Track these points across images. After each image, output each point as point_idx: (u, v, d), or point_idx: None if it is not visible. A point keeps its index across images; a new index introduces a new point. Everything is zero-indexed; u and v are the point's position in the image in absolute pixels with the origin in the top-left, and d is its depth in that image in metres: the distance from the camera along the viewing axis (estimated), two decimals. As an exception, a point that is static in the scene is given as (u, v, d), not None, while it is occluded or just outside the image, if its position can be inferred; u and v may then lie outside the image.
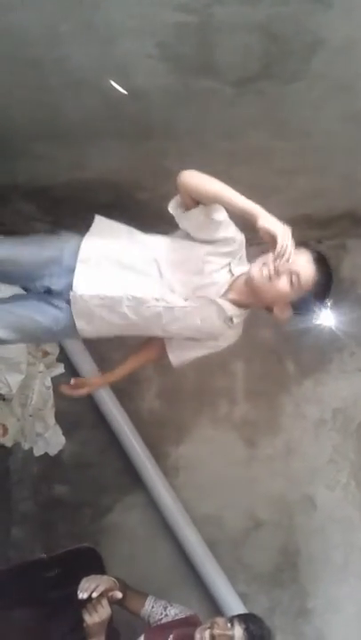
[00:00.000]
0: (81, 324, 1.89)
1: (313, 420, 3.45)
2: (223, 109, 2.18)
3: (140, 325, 1.90)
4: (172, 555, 3.26)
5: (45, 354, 3.27)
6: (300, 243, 1.73)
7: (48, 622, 2.32)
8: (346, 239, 3.51)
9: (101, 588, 2.11)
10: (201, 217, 1.75)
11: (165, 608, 2.36)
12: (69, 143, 2.38)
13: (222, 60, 1.90)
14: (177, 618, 2.33)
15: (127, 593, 2.28)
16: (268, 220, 1.58)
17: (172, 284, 1.81)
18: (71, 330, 1.92)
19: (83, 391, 2.16)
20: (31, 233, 2.71)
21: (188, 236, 1.83)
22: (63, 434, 3.37)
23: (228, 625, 2.12)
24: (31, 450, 3.33)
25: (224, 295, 1.85)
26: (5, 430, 3.11)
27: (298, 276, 1.73)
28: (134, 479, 3.29)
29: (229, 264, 1.83)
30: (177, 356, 2.11)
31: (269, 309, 1.87)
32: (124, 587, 2.26)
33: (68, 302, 1.84)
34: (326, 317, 3.44)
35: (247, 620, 2.17)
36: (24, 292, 2.06)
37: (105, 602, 2.14)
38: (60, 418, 3.39)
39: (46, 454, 3.34)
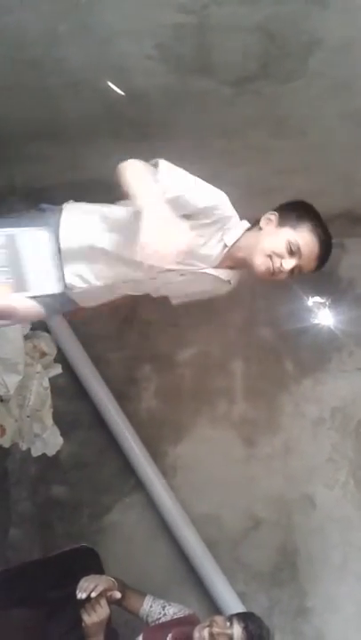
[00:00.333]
0: (83, 302, 1.87)
1: (312, 418, 3.45)
2: (221, 109, 2.18)
3: (139, 293, 1.90)
4: (170, 554, 3.26)
5: (43, 354, 3.26)
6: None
7: (47, 622, 2.32)
8: (344, 238, 3.51)
9: (100, 588, 2.12)
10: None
11: (164, 607, 2.36)
12: (67, 144, 2.38)
13: (220, 60, 1.90)
14: (175, 617, 2.33)
15: (126, 593, 2.28)
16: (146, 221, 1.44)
17: (167, 264, 1.77)
18: (72, 304, 1.91)
19: None
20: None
21: None
22: (61, 434, 3.36)
23: (227, 624, 2.12)
24: (29, 450, 3.32)
25: (220, 264, 1.80)
26: (3, 431, 3.10)
27: (300, 269, 1.71)
28: (132, 479, 3.29)
29: (221, 234, 1.74)
30: (176, 299, 2.04)
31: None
32: (122, 586, 2.27)
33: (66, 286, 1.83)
34: (325, 317, 3.45)
35: (246, 618, 2.18)
36: None
37: (104, 602, 2.15)
38: (57, 418, 3.38)
39: (44, 455, 3.33)
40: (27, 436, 3.25)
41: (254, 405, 3.47)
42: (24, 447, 3.28)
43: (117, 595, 2.19)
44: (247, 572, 3.27)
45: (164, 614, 2.34)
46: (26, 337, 3.15)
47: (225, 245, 1.75)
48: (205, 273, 1.78)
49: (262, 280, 1.77)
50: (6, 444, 3.15)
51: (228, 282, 1.85)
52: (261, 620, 2.23)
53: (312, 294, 3.48)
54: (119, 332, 3.50)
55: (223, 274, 1.81)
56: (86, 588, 2.10)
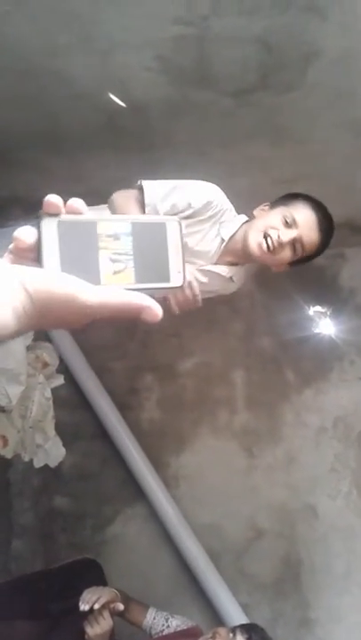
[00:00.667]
0: None
1: (314, 428, 3.44)
2: (221, 120, 2.20)
3: None
4: (173, 565, 3.25)
5: (45, 365, 3.26)
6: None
7: (50, 634, 2.30)
8: (344, 248, 3.53)
9: (103, 600, 2.10)
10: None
11: (167, 619, 2.35)
12: (68, 154, 2.39)
13: (220, 71, 1.92)
14: (179, 629, 2.32)
15: (129, 604, 2.27)
16: None
17: None
18: None
19: None
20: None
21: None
22: (63, 445, 3.35)
23: (231, 635, 2.11)
24: (31, 461, 3.31)
25: (219, 260, 1.77)
26: (5, 442, 3.09)
27: (301, 243, 1.64)
28: (135, 490, 3.28)
29: (218, 229, 1.72)
30: None
31: (268, 267, 1.78)
32: (125, 598, 2.25)
33: None
34: (326, 326, 3.46)
35: (250, 630, 2.16)
36: None
37: (107, 613, 2.13)
38: (60, 429, 3.37)
39: (46, 466, 3.32)
40: (29, 446, 3.24)
41: (256, 415, 3.46)
42: (26, 458, 3.27)
43: (120, 607, 2.18)
44: (250, 582, 3.25)
45: (168, 626, 2.33)
46: (28, 348, 3.16)
47: (222, 240, 1.72)
48: (206, 270, 1.75)
49: (263, 261, 1.69)
50: (8, 455, 3.14)
51: (231, 279, 1.81)
52: (265, 631, 2.21)
53: (313, 303, 3.48)
54: (121, 343, 3.51)
55: (224, 270, 1.78)
56: (89, 599, 2.09)
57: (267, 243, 1.62)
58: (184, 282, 0.69)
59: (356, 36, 1.78)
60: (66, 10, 1.66)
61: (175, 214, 1.63)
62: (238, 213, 1.76)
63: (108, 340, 3.46)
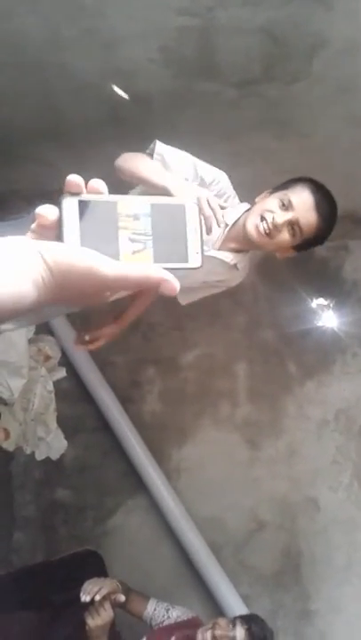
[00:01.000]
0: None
1: (316, 421, 3.44)
2: (225, 111, 2.19)
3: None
4: (174, 557, 3.26)
5: (47, 358, 3.26)
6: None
7: (50, 625, 2.31)
8: (348, 240, 3.52)
9: (104, 591, 2.11)
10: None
11: (168, 610, 2.36)
12: (71, 147, 2.38)
13: (224, 62, 1.91)
14: (179, 620, 2.33)
15: (130, 596, 2.28)
16: (177, 193, 1.48)
17: None
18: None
19: (99, 344, 2.12)
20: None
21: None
22: (65, 438, 3.36)
23: (230, 626, 2.12)
24: (33, 454, 3.32)
25: (222, 246, 1.75)
26: (7, 434, 3.10)
27: (298, 225, 1.62)
28: (136, 482, 3.28)
29: (222, 214, 1.67)
30: (185, 298, 2.01)
31: (272, 252, 1.76)
32: (126, 589, 2.26)
33: None
34: (329, 318, 3.45)
35: (249, 620, 2.17)
36: None
37: (108, 605, 2.14)
38: (61, 422, 3.38)
39: (48, 458, 3.33)
40: (31, 439, 3.25)
41: (258, 408, 3.46)
42: (28, 451, 3.28)
43: (122, 598, 2.18)
44: (251, 574, 3.26)
45: (168, 617, 2.34)
46: (30, 340, 3.16)
47: (226, 225, 1.71)
48: (209, 256, 1.73)
49: (262, 245, 1.67)
50: (10, 448, 3.15)
51: (235, 266, 1.79)
52: (265, 622, 2.22)
53: (316, 296, 3.48)
54: (123, 335, 3.49)
55: (228, 256, 1.76)
56: (90, 590, 2.10)
57: (263, 226, 1.62)
58: (202, 263, 0.70)
59: (362, 26, 1.76)
60: (70, 2, 1.64)
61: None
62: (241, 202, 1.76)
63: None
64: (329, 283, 3.53)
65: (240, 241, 1.73)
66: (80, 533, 3.29)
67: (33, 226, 0.66)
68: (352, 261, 3.55)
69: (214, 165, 1.71)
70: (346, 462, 3.39)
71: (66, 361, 3.36)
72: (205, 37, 1.77)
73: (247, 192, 1.71)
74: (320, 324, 3.48)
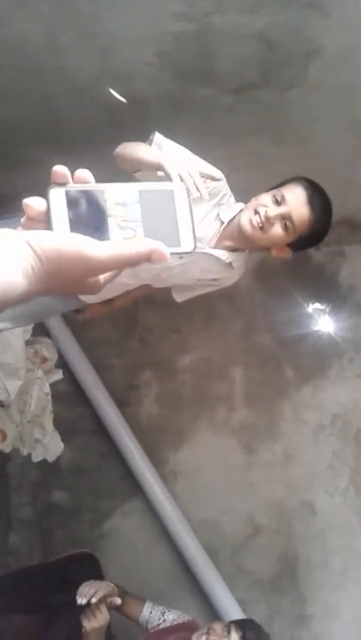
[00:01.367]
0: (85, 297, 1.86)
1: (312, 425, 3.45)
2: (222, 116, 2.20)
3: (140, 282, 1.87)
4: (170, 561, 3.26)
5: (44, 360, 3.26)
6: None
7: (46, 628, 2.31)
8: (344, 246, 3.53)
9: (100, 594, 2.11)
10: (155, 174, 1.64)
11: (163, 613, 2.36)
12: (69, 150, 2.38)
13: (221, 67, 1.92)
14: (175, 623, 2.33)
15: (125, 599, 2.27)
16: (169, 165, 1.49)
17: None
18: (76, 303, 1.90)
19: (84, 315, 2.17)
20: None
21: None
22: (62, 440, 3.36)
23: (225, 631, 2.11)
24: (29, 456, 3.31)
25: (218, 244, 1.76)
26: (4, 436, 3.10)
27: (291, 220, 1.62)
28: (133, 485, 3.28)
29: (217, 212, 1.73)
30: (180, 295, 2.01)
31: (268, 250, 1.76)
32: (122, 592, 2.26)
33: None
34: (325, 323, 3.46)
35: (244, 626, 2.17)
36: None
37: (104, 607, 2.14)
38: (58, 424, 3.38)
39: (45, 460, 3.33)
40: (27, 441, 3.25)
41: (254, 412, 3.47)
42: (25, 452, 3.27)
43: (117, 601, 2.18)
44: (247, 578, 3.26)
45: (164, 620, 2.34)
46: (27, 342, 3.16)
47: (221, 222, 1.73)
48: (204, 253, 1.74)
49: (256, 241, 1.68)
50: (7, 450, 3.15)
51: (230, 265, 1.80)
52: (260, 627, 2.22)
53: (312, 301, 3.49)
54: (120, 338, 3.51)
55: (223, 254, 1.76)
56: (86, 593, 2.10)
57: (256, 219, 1.63)
58: (195, 246, 0.70)
59: (358, 32, 1.78)
60: (67, 7, 1.66)
61: None
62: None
63: (108, 335, 3.47)
64: (325, 288, 3.54)
65: (235, 239, 1.74)
66: (76, 536, 3.29)
67: (22, 220, 0.66)
68: (348, 267, 3.57)
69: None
70: (342, 467, 3.39)
71: (63, 363, 3.37)
72: (202, 42, 1.78)
73: (244, 197, 1.72)
74: (316, 328, 3.49)
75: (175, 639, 2.20)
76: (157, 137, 1.68)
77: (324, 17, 1.71)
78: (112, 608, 2.20)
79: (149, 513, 3.28)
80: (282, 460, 3.41)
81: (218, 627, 2.15)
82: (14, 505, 3.36)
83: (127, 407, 3.37)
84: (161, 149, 1.67)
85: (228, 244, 1.76)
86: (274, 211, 1.62)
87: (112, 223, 0.66)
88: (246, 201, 1.72)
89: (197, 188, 1.49)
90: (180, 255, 0.70)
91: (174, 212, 0.70)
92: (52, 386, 3.33)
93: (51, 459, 3.32)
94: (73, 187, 0.67)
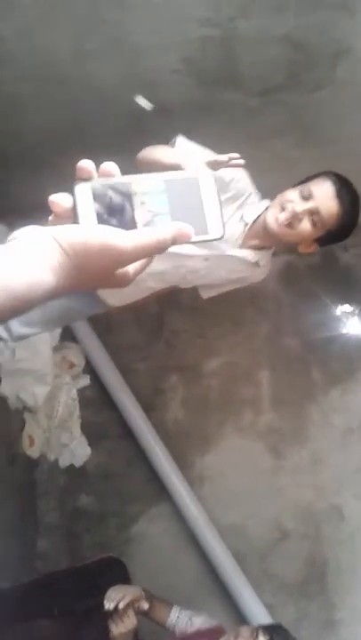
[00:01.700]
0: (110, 301, 1.87)
1: (340, 429, 3.41)
2: (248, 119, 2.19)
3: (167, 285, 1.87)
4: (197, 565, 3.25)
5: (71, 365, 3.29)
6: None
7: (74, 633, 2.32)
8: (372, 247, 3.49)
9: (128, 599, 2.11)
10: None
11: (190, 618, 2.35)
12: (95, 157, 2.40)
13: (247, 71, 1.91)
14: (202, 628, 2.32)
15: (153, 603, 2.27)
16: (188, 165, 1.47)
17: (189, 249, 1.70)
18: (102, 306, 1.90)
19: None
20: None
21: None
22: (89, 445, 3.38)
23: (253, 636, 2.10)
24: (57, 461, 3.35)
25: (244, 244, 1.74)
26: (32, 442, 3.13)
27: (319, 214, 1.60)
28: (159, 489, 3.28)
29: (241, 213, 1.71)
30: (207, 292, 1.99)
31: (295, 246, 1.74)
32: (149, 597, 2.26)
33: None
34: (353, 325, 3.42)
35: (272, 630, 2.15)
36: None
37: (131, 612, 2.14)
38: (85, 429, 3.40)
39: (72, 465, 3.36)
40: (55, 446, 3.28)
41: (281, 416, 3.45)
42: (52, 457, 3.30)
43: (145, 605, 2.18)
44: (275, 583, 3.24)
45: (191, 625, 2.33)
46: (54, 348, 3.19)
47: (246, 224, 1.71)
48: (230, 255, 1.73)
49: (283, 238, 1.66)
50: (35, 455, 3.18)
51: (257, 264, 1.78)
52: (288, 632, 2.19)
53: (340, 303, 3.45)
54: (146, 343, 3.52)
55: (249, 255, 1.75)
56: (114, 598, 2.10)
57: (283, 216, 1.62)
58: (224, 232, 0.69)
59: (386, 33, 1.76)
60: (93, 16, 1.66)
61: None
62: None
63: (134, 340, 3.48)
64: (354, 289, 3.50)
65: (261, 237, 1.72)
66: (103, 540, 3.30)
67: (50, 217, 0.66)
68: (376, 268, 3.53)
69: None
70: (371, 471, 3.35)
71: (90, 368, 3.39)
72: (228, 47, 1.77)
73: (270, 199, 1.71)
74: (345, 331, 3.46)
75: (202, 644, 2.19)
76: (180, 139, 1.68)
77: (351, 17, 1.69)
78: (139, 613, 2.20)
79: (176, 517, 3.28)
80: (310, 464, 3.39)
81: (245, 631, 2.14)
82: (42, 510, 3.38)
83: (153, 411, 3.37)
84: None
85: (255, 242, 1.75)
86: (301, 206, 1.61)
87: (139, 215, 0.66)
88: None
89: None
90: (210, 242, 0.70)
91: (200, 199, 0.69)
92: (80, 391, 3.36)
93: (78, 463, 3.35)
94: (98, 181, 0.66)
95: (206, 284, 1.91)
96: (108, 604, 2.09)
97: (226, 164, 1.47)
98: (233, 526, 3.25)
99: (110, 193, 0.66)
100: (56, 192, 0.66)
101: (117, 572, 2.46)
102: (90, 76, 1.92)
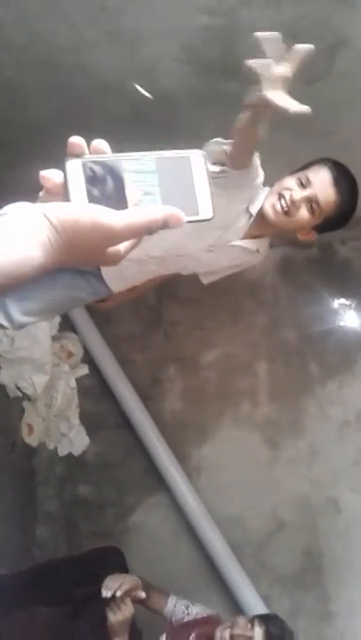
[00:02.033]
0: (113, 285, 1.87)
1: (337, 421, 3.43)
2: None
3: (168, 272, 1.88)
4: (194, 555, 3.26)
5: (70, 355, 3.30)
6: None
7: (71, 621, 2.33)
8: (372, 240, 3.50)
9: (125, 587, 2.12)
10: (251, 167, 1.64)
11: (187, 607, 2.37)
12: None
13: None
14: (199, 617, 2.34)
15: (150, 592, 2.29)
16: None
17: (195, 238, 1.71)
18: (104, 291, 1.90)
19: (107, 305, 2.12)
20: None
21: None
22: (87, 434, 3.39)
23: (249, 625, 2.12)
24: (56, 449, 3.36)
25: (246, 234, 1.75)
26: (31, 430, 3.14)
27: (317, 202, 1.60)
28: (157, 480, 3.30)
29: (247, 206, 1.71)
30: (207, 278, 1.99)
31: (293, 234, 1.75)
32: (146, 586, 2.27)
33: (99, 268, 1.82)
34: (351, 318, 3.43)
35: (268, 620, 2.17)
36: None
37: (128, 601, 2.15)
38: (84, 418, 3.41)
39: (70, 454, 3.37)
40: (54, 435, 3.29)
41: (279, 408, 3.46)
42: (51, 446, 3.32)
43: (142, 594, 2.20)
44: (271, 574, 3.26)
45: (188, 614, 2.35)
46: (53, 338, 3.20)
47: (251, 215, 1.71)
48: (235, 245, 1.74)
49: (282, 226, 1.67)
50: (34, 443, 3.19)
51: (257, 251, 1.80)
52: (284, 622, 2.21)
53: (338, 296, 3.46)
54: (144, 333, 3.52)
55: (251, 244, 1.77)
56: (112, 586, 2.11)
57: (280, 204, 1.62)
58: (214, 214, 0.70)
59: (385, 24, 1.76)
60: (93, 3, 1.66)
61: (255, 179, 1.65)
62: None
63: (132, 330, 3.49)
64: (351, 282, 3.51)
65: (261, 226, 1.73)
66: (101, 529, 3.32)
67: (40, 193, 0.66)
68: (375, 261, 3.53)
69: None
70: (368, 463, 3.37)
71: (88, 358, 3.39)
72: (228, 37, 1.77)
73: (269, 187, 1.71)
74: (342, 323, 3.47)
75: (199, 632, 2.21)
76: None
77: (350, 7, 1.69)
78: (137, 601, 2.21)
79: (173, 508, 3.29)
80: (306, 456, 3.40)
81: (241, 621, 2.16)
82: (40, 498, 3.40)
83: (151, 402, 3.38)
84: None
85: (255, 232, 1.75)
86: (299, 194, 1.61)
87: (130, 193, 0.66)
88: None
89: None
90: (198, 223, 0.70)
91: (192, 179, 0.69)
92: (78, 380, 3.37)
93: (76, 452, 3.36)
94: (90, 157, 0.66)
95: (207, 271, 1.92)
96: (106, 593, 2.10)
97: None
98: (230, 517, 3.27)
99: (101, 170, 0.66)
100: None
101: (115, 561, 2.46)
102: (89, 64, 1.92)
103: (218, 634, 2.11)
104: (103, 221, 0.61)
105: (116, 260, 0.66)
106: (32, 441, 3.17)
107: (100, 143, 0.68)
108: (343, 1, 1.67)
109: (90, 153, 0.67)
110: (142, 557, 2.96)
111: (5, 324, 1.87)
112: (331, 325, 3.45)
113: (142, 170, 0.67)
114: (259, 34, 1.31)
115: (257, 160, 1.67)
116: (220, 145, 1.60)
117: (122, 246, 0.66)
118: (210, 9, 1.67)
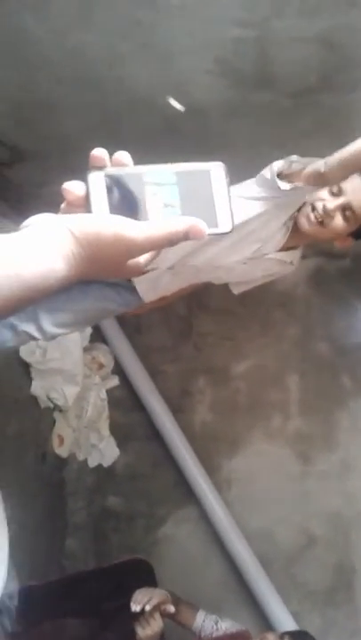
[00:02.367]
0: (146, 295, 1.87)
1: (370, 436, 3.37)
2: (280, 120, 2.18)
3: (201, 281, 1.89)
4: (223, 569, 3.23)
5: (101, 366, 3.31)
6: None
7: (100, 634, 2.32)
8: None
9: (154, 601, 2.11)
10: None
11: (216, 622, 2.34)
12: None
13: (280, 72, 1.90)
14: (228, 632, 2.31)
15: (179, 606, 2.26)
16: None
17: (233, 251, 1.72)
18: (135, 302, 1.91)
19: (140, 311, 2.13)
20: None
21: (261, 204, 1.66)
22: (117, 445, 3.39)
23: None
24: (86, 461, 3.37)
25: (281, 247, 1.76)
26: (61, 441, 3.16)
27: (351, 209, 1.61)
28: (186, 492, 3.28)
29: (286, 219, 1.71)
30: (238, 288, 1.99)
31: (330, 242, 1.76)
32: (176, 600, 2.25)
33: (129, 280, 1.83)
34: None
35: (298, 637, 2.13)
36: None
37: (157, 615, 2.13)
38: (114, 429, 3.42)
39: (100, 465, 3.37)
40: (84, 446, 3.30)
41: (310, 421, 3.42)
42: (81, 457, 3.32)
43: (171, 608, 2.18)
44: (301, 590, 3.21)
45: (217, 629, 2.32)
46: (84, 349, 3.21)
47: (288, 228, 1.72)
48: (271, 258, 1.75)
49: (317, 236, 1.68)
50: (64, 454, 3.20)
51: (291, 263, 1.81)
52: (315, 639, 2.17)
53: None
54: (175, 344, 3.52)
55: (285, 256, 1.77)
56: (140, 600, 2.10)
57: (314, 215, 1.63)
58: (233, 227, 0.69)
59: None
60: (126, 17, 1.67)
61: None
62: None
63: (163, 342, 3.48)
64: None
65: (296, 237, 1.73)
66: (130, 542, 3.31)
67: (62, 205, 0.66)
68: None
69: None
70: None
71: (119, 369, 3.40)
72: (261, 48, 1.77)
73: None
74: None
75: (228, 648, 2.18)
76: None
77: (388, 18, 1.67)
78: (166, 615, 2.19)
79: (203, 520, 3.27)
80: (339, 471, 3.35)
81: (271, 637, 2.12)
82: (70, 509, 3.40)
83: (181, 414, 3.37)
84: None
85: (291, 244, 1.76)
86: (332, 203, 1.61)
87: (150, 205, 0.66)
88: None
89: None
90: (218, 236, 0.70)
91: (211, 192, 0.69)
92: (109, 392, 3.38)
93: (106, 464, 3.37)
94: (111, 170, 0.67)
95: (239, 281, 1.92)
96: (135, 607, 2.08)
97: None
98: (260, 531, 3.23)
99: (123, 182, 0.66)
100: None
101: (144, 575, 2.45)
102: (123, 78, 1.93)
103: (248, 650, 2.08)
104: (125, 234, 0.61)
105: (136, 271, 0.67)
106: (62, 452, 3.19)
107: (122, 155, 0.68)
108: (379, 10, 1.65)
109: (111, 165, 0.67)
110: (171, 570, 2.95)
111: (37, 335, 1.89)
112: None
113: (163, 182, 0.67)
114: None
115: None
116: (300, 164, 1.59)
117: (142, 258, 0.66)
118: (243, 21, 1.67)
